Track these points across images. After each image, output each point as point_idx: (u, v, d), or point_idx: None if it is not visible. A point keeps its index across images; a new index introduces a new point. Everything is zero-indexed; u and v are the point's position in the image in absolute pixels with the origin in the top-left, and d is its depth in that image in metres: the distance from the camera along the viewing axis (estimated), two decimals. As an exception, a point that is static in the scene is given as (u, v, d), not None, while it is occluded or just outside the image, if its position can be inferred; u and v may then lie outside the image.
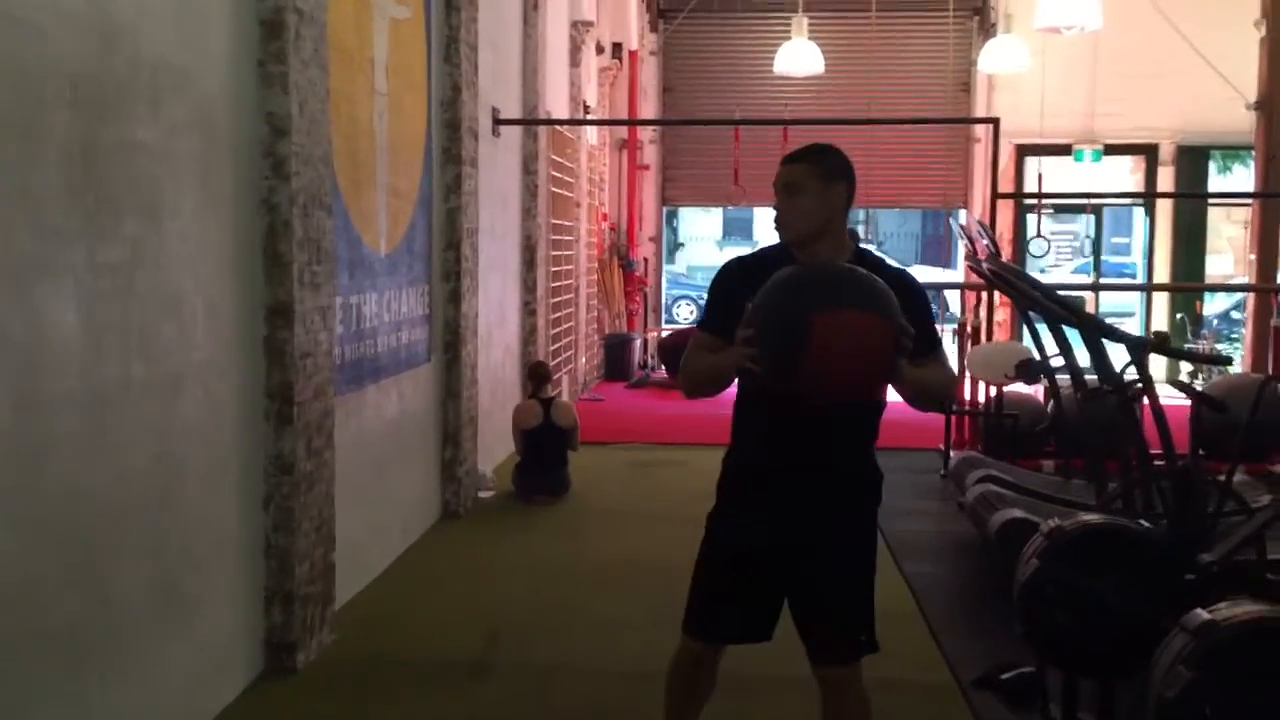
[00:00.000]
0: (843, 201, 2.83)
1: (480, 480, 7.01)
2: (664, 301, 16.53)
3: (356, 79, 5.03)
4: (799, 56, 12.73)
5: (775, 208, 2.85)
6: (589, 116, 11.67)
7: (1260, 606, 2.74)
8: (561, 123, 9.31)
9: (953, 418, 7.80)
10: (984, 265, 5.02)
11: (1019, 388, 6.85)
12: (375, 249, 5.29)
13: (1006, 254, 9.92)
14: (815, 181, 2.79)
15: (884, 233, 31.59)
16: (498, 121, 7.75)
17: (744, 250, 3.31)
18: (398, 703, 4.01)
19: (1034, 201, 12.67)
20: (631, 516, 6.74)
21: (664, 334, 13.42)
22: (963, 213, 13.95)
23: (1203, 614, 2.69)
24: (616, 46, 14.12)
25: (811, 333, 2.45)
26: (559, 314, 10.09)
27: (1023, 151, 13.50)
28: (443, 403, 6.44)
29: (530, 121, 8.47)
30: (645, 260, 14.43)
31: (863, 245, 2.94)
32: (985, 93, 13.78)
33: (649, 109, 14.29)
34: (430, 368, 6.24)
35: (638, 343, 13.32)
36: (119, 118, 3.14)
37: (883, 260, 2.90)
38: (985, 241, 5.14)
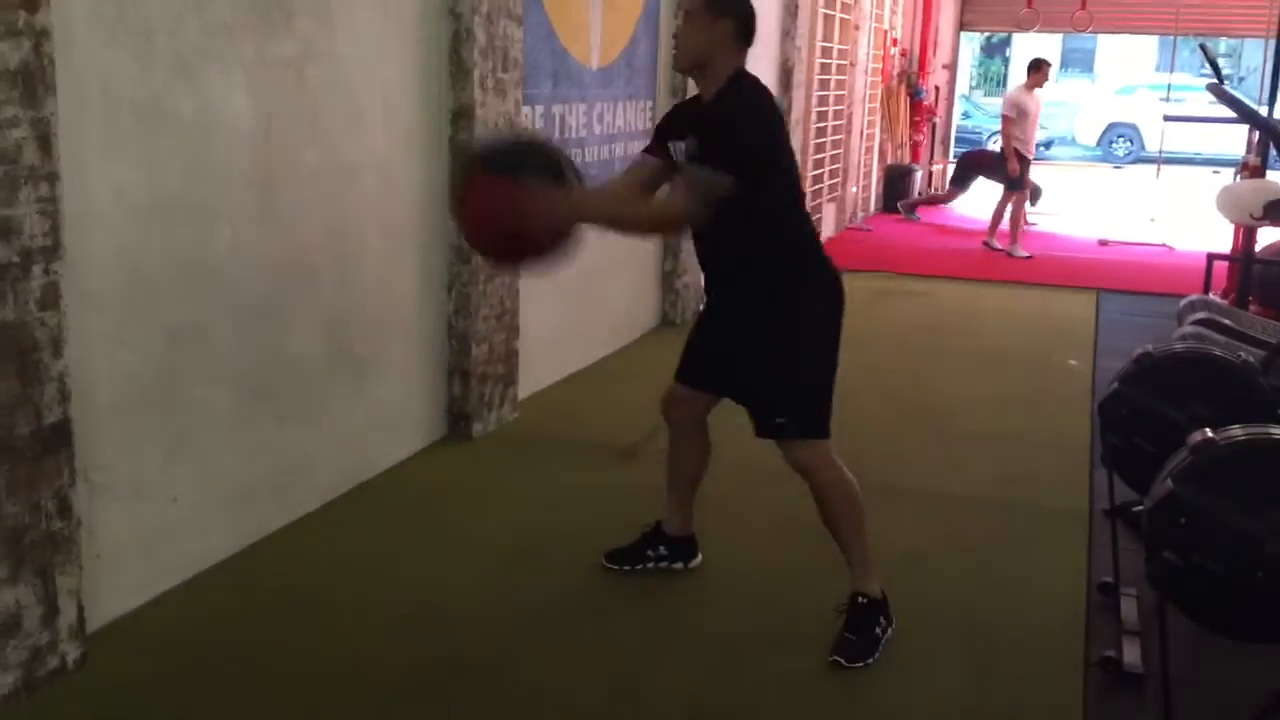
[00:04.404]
0: (723, 37, 2.97)
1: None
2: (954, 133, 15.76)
3: (566, -107, 5.22)
4: None
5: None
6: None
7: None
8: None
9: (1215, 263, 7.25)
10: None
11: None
12: (585, 62, 5.55)
13: None
14: (702, 15, 2.97)
15: (1246, 67, 28.39)
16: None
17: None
18: (549, 473, 4.44)
19: None
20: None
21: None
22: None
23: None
24: None
25: (465, 191, 2.89)
26: (822, 140, 10.02)
27: None
28: (663, 216, 6.69)
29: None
30: (936, 89, 13.87)
31: (743, 77, 3.02)
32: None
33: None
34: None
35: (919, 174, 12.96)
36: (288, -73, 3.51)
37: (740, 91, 2.98)
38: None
